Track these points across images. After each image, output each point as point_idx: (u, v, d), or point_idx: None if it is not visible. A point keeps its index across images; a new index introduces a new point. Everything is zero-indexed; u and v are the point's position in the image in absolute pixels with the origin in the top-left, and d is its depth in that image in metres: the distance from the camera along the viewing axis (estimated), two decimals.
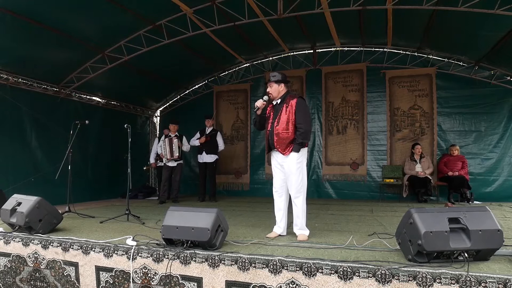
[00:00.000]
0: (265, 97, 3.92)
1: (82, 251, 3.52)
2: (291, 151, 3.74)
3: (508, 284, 2.40)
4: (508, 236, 3.56)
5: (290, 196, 3.87)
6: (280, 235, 3.90)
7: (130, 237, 3.58)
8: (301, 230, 3.80)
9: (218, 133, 7.97)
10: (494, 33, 6.34)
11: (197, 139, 7.74)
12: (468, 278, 2.47)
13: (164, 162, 7.83)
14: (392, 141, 8.32)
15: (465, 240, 2.69)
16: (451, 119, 7.99)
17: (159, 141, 8.17)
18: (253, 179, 9.37)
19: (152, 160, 8.30)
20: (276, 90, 3.90)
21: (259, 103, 3.90)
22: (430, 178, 7.44)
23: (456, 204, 7.01)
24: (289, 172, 3.76)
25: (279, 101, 3.92)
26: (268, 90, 3.93)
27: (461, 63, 7.95)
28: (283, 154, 3.77)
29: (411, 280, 2.56)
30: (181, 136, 7.81)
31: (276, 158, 3.88)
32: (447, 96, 8.00)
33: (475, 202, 7.25)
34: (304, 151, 3.85)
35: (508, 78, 7.65)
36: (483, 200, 7.36)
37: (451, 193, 7.33)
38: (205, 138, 7.62)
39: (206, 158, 7.72)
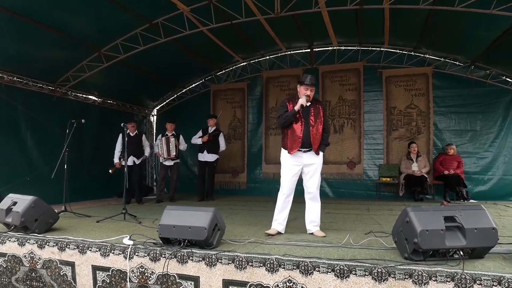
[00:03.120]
0: (305, 98, 3.89)
1: (78, 250, 3.51)
2: (319, 151, 3.98)
3: (503, 281, 2.43)
4: (502, 234, 3.60)
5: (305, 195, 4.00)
6: (279, 232, 3.96)
7: (127, 237, 3.57)
8: (318, 226, 3.99)
9: (221, 134, 7.96)
10: (490, 33, 6.37)
11: (199, 137, 7.73)
12: (463, 276, 2.49)
13: (161, 160, 7.83)
14: (389, 140, 8.35)
15: (460, 239, 2.72)
16: (447, 119, 8.04)
17: (155, 139, 8.11)
18: (250, 178, 9.38)
19: (116, 160, 7.26)
20: (313, 95, 4.00)
21: (304, 102, 3.88)
22: (426, 177, 7.48)
23: (451, 202, 7.05)
24: (314, 170, 3.94)
25: (308, 104, 3.98)
26: (308, 93, 3.92)
27: (457, 63, 7.98)
28: (316, 153, 3.94)
29: (407, 278, 2.58)
30: (178, 135, 7.79)
31: (301, 159, 3.94)
32: (443, 95, 8.05)
33: (470, 200, 7.30)
34: None
35: (504, 77, 7.70)
36: (478, 199, 7.41)
37: (447, 191, 7.38)
38: (208, 137, 7.61)
39: (207, 157, 7.69)
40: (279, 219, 3.99)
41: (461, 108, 7.90)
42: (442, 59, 8.08)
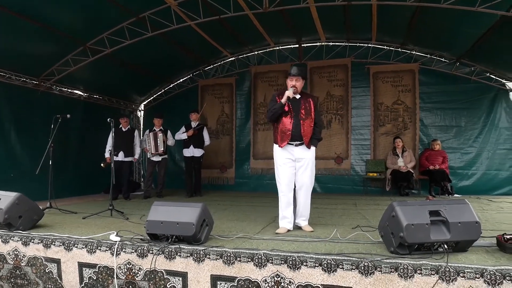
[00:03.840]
0: (292, 90, 3.86)
1: (64, 247, 3.47)
2: (311, 145, 3.94)
3: (485, 273, 2.49)
4: (485, 228, 3.68)
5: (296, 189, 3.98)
6: (289, 230, 3.90)
7: (113, 233, 3.55)
8: (307, 221, 3.99)
9: (205, 128, 7.92)
10: (475, 30, 6.46)
11: (183, 132, 7.68)
12: (448, 269, 2.54)
13: (148, 156, 7.77)
14: (376, 136, 8.44)
15: (445, 232, 2.77)
16: (432, 114, 8.14)
17: (143, 135, 8.04)
18: (238, 173, 9.38)
19: (107, 155, 7.27)
20: (301, 85, 3.99)
21: (291, 94, 3.84)
22: (412, 172, 7.58)
23: (436, 197, 7.17)
24: (306, 165, 3.90)
25: (298, 96, 3.97)
26: (294, 83, 3.90)
27: (443, 59, 8.08)
28: (307, 146, 3.90)
29: (393, 272, 2.63)
30: (166, 130, 7.74)
31: (292, 152, 3.91)
32: (429, 91, 8.15)
33: (455, 195, 7.43)
34: None
35: (488, 74, 7.83)
36: (462, 193, 7.55)
37: (432, 186, 7.50)
38: (193, 131, 7.56)
39: (194, 152, 7.63)
40: (287, 216, 3.90)
41: (447, 104, 8.01)
42: (428, 55, 8.17)
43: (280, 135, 3.93)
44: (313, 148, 3.95)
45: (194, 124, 7.70)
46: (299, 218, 3.97)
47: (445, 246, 2.75)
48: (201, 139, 7.71)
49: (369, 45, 8.45)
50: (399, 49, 8.34)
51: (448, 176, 7.41)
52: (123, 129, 7.38)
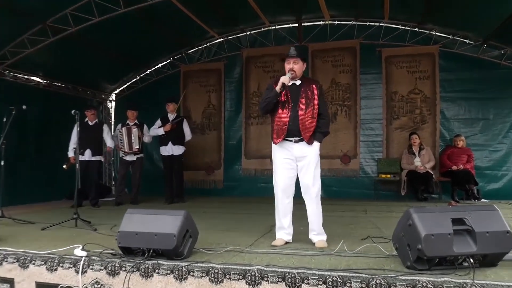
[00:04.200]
0: (289, 75, 3.83)
1: (19, 264, 3.43)
2: (314, 141, 3.85)
3: None
4: None
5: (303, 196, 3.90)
6: (287, 242, 3.88)
7: (79, 247, 3.51)
8: (320, 235, 3.86)
9: (184, 120, 7.90)
10: (505, 6, 6.46)
11: (159, 127, 7.64)
12: (474, 287, 2.54)
13: (121, 155, 7.73)
14: (389, 131, 8.47)
15: (470, 244, 2.77)
16: (455, 105, 8.19)
17: (114, 130, 7.98)
18: (227, 175, 9.37)
19: (70, 154, 7.16)
20: (300, 68, 3.92)
21: (286, 80, 3.79)
22: (432, 173, 7.62)
23: (460, 202, 7.22)
24: (308, 165, 3.82)
25: (298, 82, 3.93)
26: (291, 66, 3.86)
27: (467, 41, 8.13)
28: (308, 142, 3.82)
29: None
30: (142, 125, 7.70)
31: (291, 150, 3.85)
32: (451, 78, 8.19)
33: (482, 200, 7.48)
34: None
35: None
36: (491, 198, 7.59)
37: (455, 190, 7.54)
38: (171, 125, 7.52)
39: (173, 150, 7.61)
40: (285, 226, 3.89)
41: (472, 93, 8.05)
42: (450, 36, 8.21)
43: (276, 130, 3.91)
44: (316, 144, 3.86)
45: (171, 117, 7.66)
46: (310, 232, 3.90)
47: (471, 260, 2.75)
48: (181, 133, 7.68)
49: (380, 24, 8.47)
50: (416, 29, 8.37)
51: (473, 177, 7.45)
52: (90, 123, 7.32)
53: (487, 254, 2.80)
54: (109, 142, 7.55)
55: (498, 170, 7.92)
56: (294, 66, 3.86)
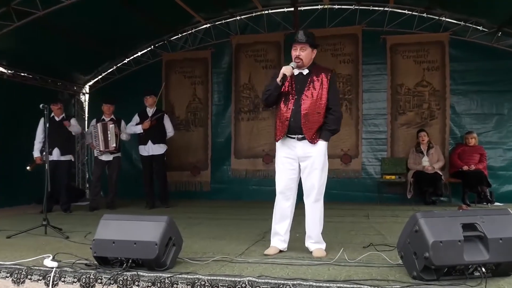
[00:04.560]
0: (293, 64, 3.79)
1: None
2: (319, 139, 3.78)
3: None
4: None
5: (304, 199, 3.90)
6: (282, 250, 3.88)
7: (49, 257, 3.50)
8: (318, 243, 3.84)
9: (165, 115, 7.89)
10: None
11: (136, 124, 7.61)
12: None
13: (96, 154, 7.69)
14: (394, 127, 8.52)
15: (482, 252, 2.80)
16: (467, 99, 8.25)
17: (87, 126, 7.94)
18: (215, 177, 9.37)
19: (36, 154, 7.18)
20: (308, 56, 3.84)
21: (288, 70, 3.74)
22: (441, 174, 7.66)
23: (472, 206, 7.29)
24: (312, 165, 3.78)
25: (306, 71, 3.87)
26: (297, 54, 3.80)
27: (480, 28, 8.17)
28: (311, 141, 3.76)
29: None
30: (119, 120, 7.68)
31: (293, 148, 3.82)
32: (462, 69, 8.24)
33: (495, 203, 7.55)
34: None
35: None
36: (505, 201, 7.66)
37: (466, 192, 7.61)
38: (150, 122, 7.50)
39: (153, 149, 7.59)
40: (280, 232, 3.88)
41: (485, 86, 8.10)
42: (462, 23, 8.26)
43: (278, 125, 3.90)
44: (322, 143, 3.79)
45: (150, 111, 7.63)
46: (307, 239, 3.91)
47: (483, 269, 2.78)
48: (162, 130, 7.67)
49: (385, 9, 8.50)
50: (424, 15, 8.41)
51: (486, 178, 7.52)
52: (56, 119, 7.25)
53: (501, 262, 2.84)
54: (75, 128, 7.47)
55: None
56: (301, 54, 3.80)
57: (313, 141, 3.76)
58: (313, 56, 3.90)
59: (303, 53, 3.80)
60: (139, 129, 7.56)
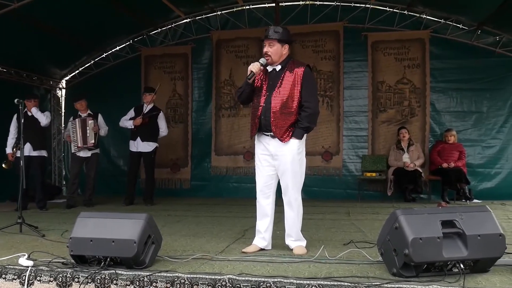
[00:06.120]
0: (262, 60, 3.77)
1: None
2: (291, 137, 3.75)
3: None
4: (511, 242, 3.81)
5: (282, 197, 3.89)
6: (262, 249, 3.86)
7: (24, 255, 3.46)
8: (298, 241, 3.84)
9: (161, 114, 7.84)
10: None
11: (130, 118, 7.55)
12: None
13: (73, 151, 7.59)
14: (375, 124, 8.60)
15: (461, 248, 2.85)
16: (447, 97, 8.36)
17: (66, 122, 7.81)
18: (195, 174, 9.36)
19: (8, 150, 7.12)
20: (278, 52, 3.78)
21: (255, 67, 3.72)
22: (421, 171, 7.77)
23: (451, 203, 7.41)
24: (285, 165, 3.75)
25: (278, 67, 3.84)
26: (265, 50, 3.78)
27: (460, 26, 8.28)
28: (281, 140, 3.73)
29: None
30: (96, 115, 7.58)
31: (267, 145, 3.81)
32: (443, 67, 8.35)
33: (474, 200, 7.69)
34: (304, 139, 3.86)
35: None
36: (484, 198, 7.79)
37: (446, 189, 7.74)
38: (142, 119, 7.44)
39: (142, 146, 7.54)
40: (260, 230, 3.87)
41: (465, 83, 8.22)
42: (442, 20, 8.37)
43: (251, 123, 3.93)
44: (293, 142, 3.74)
45: (146, 108, 7.59)
46: (286, 237, 3.90)
47: (461, 265, 2.83)
48: (154, 129, 7.63)
49: (367, 5, 8.55)
50: (405, 12, 8.48)
51: (465, 176, 7.65)
52: (29, 114, 7.11)
53: (479, 259, 2.88)
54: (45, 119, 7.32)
55: (491, 168, 8.13)
56: (269, 50, 3.76)
57: (283, 139, 3.73)
58: (284, 52, 3.83)
59: (271, 49, 3.77)
60: (130, 124, 7.51)
